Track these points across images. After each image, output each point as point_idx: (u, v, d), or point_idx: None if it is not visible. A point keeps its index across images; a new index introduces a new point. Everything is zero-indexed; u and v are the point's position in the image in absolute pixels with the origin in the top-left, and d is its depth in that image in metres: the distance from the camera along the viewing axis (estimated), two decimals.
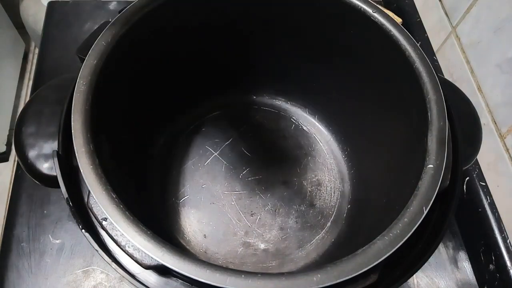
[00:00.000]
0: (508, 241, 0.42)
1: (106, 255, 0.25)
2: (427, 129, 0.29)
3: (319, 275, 0.22)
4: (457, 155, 0.30)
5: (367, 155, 0.43)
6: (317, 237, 0.42)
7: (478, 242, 0.44)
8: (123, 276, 0.24)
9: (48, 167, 0.29)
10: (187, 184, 0.43)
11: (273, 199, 0.43)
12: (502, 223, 0.43)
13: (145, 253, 0.23)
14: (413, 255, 0.27)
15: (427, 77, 0.31)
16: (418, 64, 0.31)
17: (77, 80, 0.28)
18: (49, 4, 0.59)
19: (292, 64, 0.45)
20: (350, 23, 0.36)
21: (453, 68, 0.53)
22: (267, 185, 0.44)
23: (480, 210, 0.45)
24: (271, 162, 0.46)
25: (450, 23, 0.54)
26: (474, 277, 0.43)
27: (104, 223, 0.25)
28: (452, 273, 0.43)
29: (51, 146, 0.29)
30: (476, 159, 0.47)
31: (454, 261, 0.44)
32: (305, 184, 0.45)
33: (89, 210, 0.26)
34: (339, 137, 0.47)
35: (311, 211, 0.43)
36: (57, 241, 0.41)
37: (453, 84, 0.37)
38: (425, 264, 0.26)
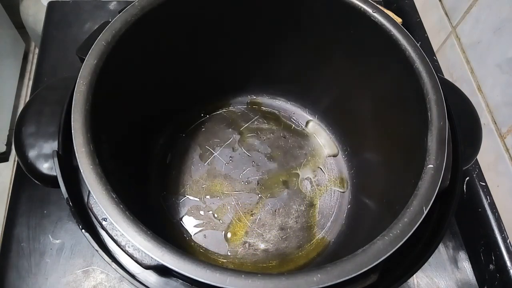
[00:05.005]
0: (508, 241, 0.42)
1: (106, 255, 0.25)
2: (427, 129, 0.29)
3: (319, 275, 0.22)
4: (457, 155, 0.30)
5: (367, 155, 0.43)
6: (317, 237, 0.42)
7: (478, 242, 0.44)
8: (123, 276, 0.24)
9: (48, 167, 0.29)
10: (187, 184, 0.44)
11: (273, 199, 0.43)
12: (502, 223, 0.43)
13: (145, 253, 0.23)
14: (413, 255, 0.27)
15: (427, 77, 0.31)
16: (418, 64, 0.31)
17: (77, 80, 0.28)
18: (49, 4, 0.59)
19: (292, 64, 0.45)
20: (350, 23, 0.36)
21: (453, 68, 0.53)
22: (267, 185, 0.44)
23: (480, 210, 0.45)
24: (271, 162, 0.46)
25: (450, 23, 0.54)
26: (474, 277, 0.43)
27: (104, 223, 0.25)
28: (452, 273, 0.43)
29: (51, 146, 0.29)
30: (476, 159, 0.47)
31: (454, 261, 0.44)
32: (305, 184, 0.45)
33: (89, 210, 0.26)
34: (339, 137, 0.47)
35: (311, 211, 0.43)
36: (57, 241, 0.41)
37: (453, 84, 0.37)
38: (425, 264, 0.26)
